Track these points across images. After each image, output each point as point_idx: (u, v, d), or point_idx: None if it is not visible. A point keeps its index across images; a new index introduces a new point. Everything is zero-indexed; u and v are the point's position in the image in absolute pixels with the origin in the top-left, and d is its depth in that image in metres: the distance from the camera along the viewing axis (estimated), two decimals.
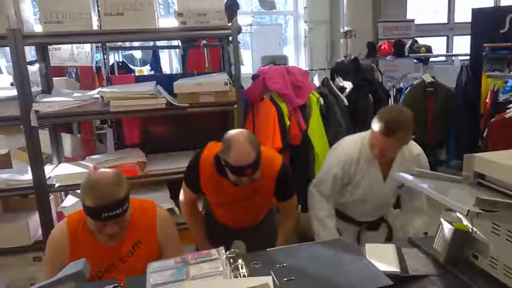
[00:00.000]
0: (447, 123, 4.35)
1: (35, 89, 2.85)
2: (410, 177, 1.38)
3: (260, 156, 1.84)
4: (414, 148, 2.17)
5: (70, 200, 2.90)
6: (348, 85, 3.15)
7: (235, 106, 2.77)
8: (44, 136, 3.10)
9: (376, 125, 1.97)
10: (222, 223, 2.24)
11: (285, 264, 1.45)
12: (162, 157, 3.07)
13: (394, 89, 4.66)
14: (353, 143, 2.18)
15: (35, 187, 2.62)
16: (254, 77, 3.04)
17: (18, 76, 2.48)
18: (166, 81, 2.81)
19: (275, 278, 1.35)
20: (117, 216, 1.58)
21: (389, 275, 1.34)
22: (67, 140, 3.15)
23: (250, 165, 1.80)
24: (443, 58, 5.95)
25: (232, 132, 1.93)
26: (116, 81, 3.06)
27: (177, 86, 2.68)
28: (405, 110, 2.01)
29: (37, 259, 2.74)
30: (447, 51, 5.63)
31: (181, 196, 2.26)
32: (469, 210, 1.07)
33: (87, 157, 2.92)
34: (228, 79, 2.73)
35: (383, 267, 1.40)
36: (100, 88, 2.75)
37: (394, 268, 1.40)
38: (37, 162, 2.60)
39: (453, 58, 5.89)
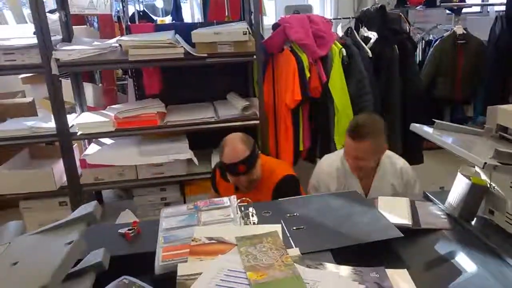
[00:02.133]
0: (477, 79, 4.15)
1: (56, 37, 2.85)
2: (428, 129, 1.32)
3: (255, 155, 1.95)
4: (396, 160, 2.04)
5: (93, 148, 2.98)
6: (373, 36, 3.00)
7: (254, 57, 2.71)
8: (67, 85, 3.14)
9: (346, 131, 1.93)
10: None
11: (295, 214, 1.45)
12: (181, 108, 3.08)
13: (423, 41, 4.44)
14: (332, 158, 2.12)
15: (58, 135, 2.68)
16: (275, 26, 2.93)
17: (37, 24, 2.48)
18: (186, 30, 2.76)
19: (284, 227, 1.35)
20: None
21: (400, 227, 1.32)
22: (89, 90, 3.17)
23: (242, 161, 1.89)
24: (478, 9, 5.58)
25: (228, 135, 2.03)
26: (135, 30, 3.02)
27: (195, 35, 2.63)
28: (376, 116, 2.02)
29: (63, 203, 2.86)
30: (482, 0, 5.27)
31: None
32: (485, 163, 1.01)
33: (108, 107, 2.95)
34: (247, 29, 2.66)
35: (394, 219, 1.38)
36: (119, 37, 2.72)
37: (405, 220, 1.38)
38: (59, 111, 2.65)
39: (489, 8, 5.53)
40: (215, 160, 2.97)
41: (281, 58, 2.88)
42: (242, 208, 1.44)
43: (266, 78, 3.00)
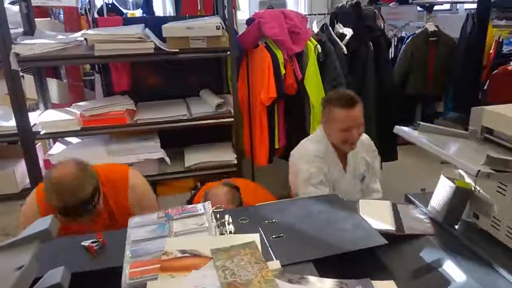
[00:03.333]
0: (447, 75, 4.17)
1: (16, 30, 2.64)
2: (410, 131, 1.25)
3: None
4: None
5: (58, 148, 2.79)
6: (348, 32, 2.93)
7: (228, 52, 2.59)
8: (30, 81, 2.93)
9: (333, 108, 1.90)
10: None
11: (274, 220, 1.35)
12: (152, 105, 2.92)
13: (396, 38, 4.42)
14: (309, 146, 2.05)
15: (20, 134, 2.48)
16: (249, 21, 2.82)
17: None
18: (157, 24, 2.60)
19: (263, 235, 1.25)
20: (87, 214, 1.54)
21: (384, 233, 1.25)
22: (53, 86, 2.97)
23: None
24: (448, 6, 5.63)
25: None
26: (102, 24, 2.84)
27: (166, 29, 2.48)
28: None
29: None
30: None
31: None
32: (479, 171, 0.94)
33: (73, 104, 2.76)
34: (221, 23, 2.53)
35: (377, 224, 1.30)
36: (85, 30, 2.54)
37: (389, 226, 1.30)
38: (20, 108, 2.45)
39: (458, 6, 5.58)
40: (188, 159, 2.84)
41: (255, 54, 2.78)
42: (218, 216, 1.33)
43: (240, 75, 2.89)
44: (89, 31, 2.47)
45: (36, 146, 2.76)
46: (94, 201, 1.57)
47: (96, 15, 3.00)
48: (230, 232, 1.26)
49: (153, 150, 2.72)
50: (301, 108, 2.81)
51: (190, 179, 2.84)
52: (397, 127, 1.27)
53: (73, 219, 1.52)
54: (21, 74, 3.24)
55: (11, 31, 2.59)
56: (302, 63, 2.80)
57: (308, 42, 2.80)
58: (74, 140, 2.90)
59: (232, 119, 2.72)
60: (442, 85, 4.21)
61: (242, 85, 2.87)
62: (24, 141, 2.51)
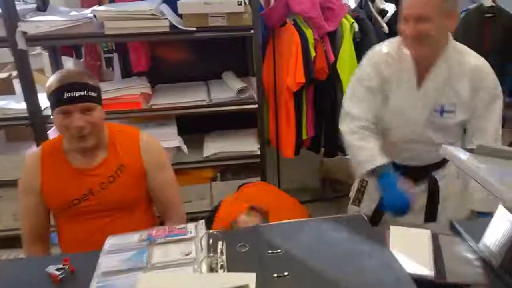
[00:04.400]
0: (504, 57, 3.64)
1: (28, 6, 2.45)
2: (462, 153, 0.91)
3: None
4: (469, 56, 1.51)
5: None
6: (391, 8, 2.54)
7: (251, 31, 2.27)
8: (47, 59, 2.76)
9: None
10: None
11: (280, 251, 1.08)
12: (171, 88, 2.67)
13: None
14: (383, 45, 1.62)
15: (31, 118, 2.32)
16: None
17: None
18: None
19: (263, 273, 0.98)
20: (82, 98, 1.37)
21: (420, 279, 0.95)
22: (69, 65, 2.78)
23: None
24: None
25: None
26: None
27: (181, 5, 2.20)
28: None
29: None
30: None
31: None
32: None
33: None
34: None
35: (411, 266, 1.00)
36: (96, 6, 2.30)
37: (426, 270, 1.00)
38: (30, 91, 2.28)
39: None
40: (207, 147, 2.60)
41: (282, 33, 2.44)
42: (211, 241, 1.07)
43: (266, 57, 2.57)
44: (99, 7, 2.23)
45: (52, 129, 2.61)
46: (93, 93, 1.42)
47: None
48: (222, 266, 1.00)
49: (169, 137, 2.49)
50: (333, 95, 2.47)
51: (208, 169, 2.60)
52: (444, 147, 0.94)
53: (67, 106, 1.36)
54: (39, 51, 3.12)
55: (22, 6, 2.40)
56: (335, 43, 2.44)
57: (343, 19, 2.43)
58: None
59: (256, 106, 2.43)
60: (498, 67, 3.68)
61: (267, 68, 2.56)
62: (36, 125, 2.34)
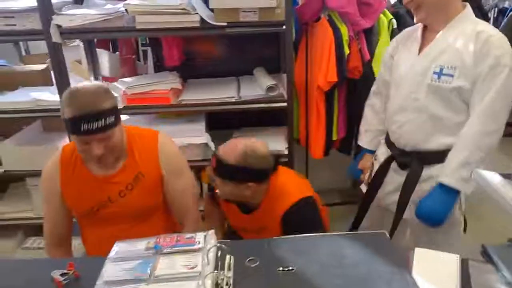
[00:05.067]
0: None
1: None
2: (497, 179, 0.79)
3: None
4: (482, 25, 1.44)
5: None
6: None
7: (284, 27, 2.18)
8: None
9: None
10: None
11: (291, 268, 1.00)
12: (201, 83, 2.63)
13: (496, 10, 3.63)
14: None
15: None
16: None
17: None
18: None
19: None
20: (100, 130, 1.30)
21: None
22: (104, 58, 2.80)
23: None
24: None
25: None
26: None
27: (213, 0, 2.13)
28: None
29: None
30: None
31: None
32: None
33: (119, 80, 2.56)
34: None
35: None
36: (129, 0, 2.28)
37: None
38: (63, 83, 2.30)
39: None
40: None
41: (316, 29, 2.33)
42: (219, 254, 1.01)
43: (299, 53, 2.47)
44: (131, 1, 2.20)
45: None
46: (111, 120, 1.34)
47: None
48: (227, 284, 0.94)
49: (197, 133, 2.45)
50: (366, 96, 2.33)
51: None
52: (477, 170, 0.82)
53: (85, 137, 1.32)
54: (78, 43, 3.15)
55: None
56: (371, 41, 2.30)
57: (381, 15, 2.28)
58: (123, 117, 2.73)
59: (285, 104, 2.34)
60: None
61: (300, 65, 2.46)
62: None
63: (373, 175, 1.78)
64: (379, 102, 1.85)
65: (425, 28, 1.58)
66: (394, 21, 2.27)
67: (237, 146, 1.47)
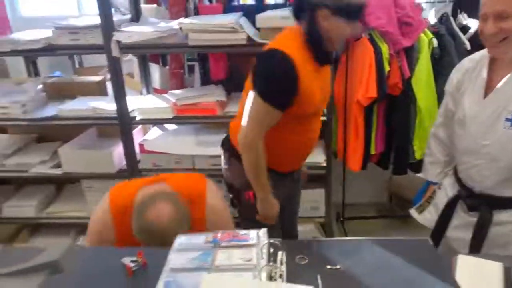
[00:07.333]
0: None
1: (124, 17, 2.66)
2: None
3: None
4: None
5: (153, 133, 2.79)
6: (473, 24, 2.38)
7: None
8: (136, 64, 2.96)
9: None
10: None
11: (338, 267, 1.06)
12: None
13: None
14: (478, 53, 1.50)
15: (118, 119, 2.51)
16: None
17: (100, 2, 2.27)
18: (256, 13, 2.38)
19: (320, 286, 0.97)
20: None
21: None
22: (155, 71, 2.97)
23: None
24: None
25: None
26: (204, 11, 2.70)
27: (259, 19, 2.25)
28: None
29: None
30: None
31: (249, 131, 1.55)
32: None
33: (169, 92, 2.71)
34: None
35: None
36: (182, 19, 2.43)
37: None
38: (120, 94, 2.47)
39: None
40: None
41: (357, 47, 2.39)
42: (271, 250, 1.09)
43: (339, 69, 2.54)
44: (185, 20, 2.35)
45: (137, 128, 2.81)
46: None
47: (197, 1, 2.86)
48: (281, 276, 1.00)
49: None
50: (406, 112, 2.38)
51: None
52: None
53: None
54: (130, 58, 3.35)
55: (119, 17, 2.60)
56: (412, 59, 2.34)
57: (422, 34, 2.32)
58: (170, 126, 2.88)
59: (325, 118, 2.40)
60: None
61: (339, 80, 2.52)
62: (122, 125, 2.53)
63: (439, 209, 1.62)
64: (443, 132, 1.66)
65: (491, 61, 1.40)
66: (434, 40, 2.31)
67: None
